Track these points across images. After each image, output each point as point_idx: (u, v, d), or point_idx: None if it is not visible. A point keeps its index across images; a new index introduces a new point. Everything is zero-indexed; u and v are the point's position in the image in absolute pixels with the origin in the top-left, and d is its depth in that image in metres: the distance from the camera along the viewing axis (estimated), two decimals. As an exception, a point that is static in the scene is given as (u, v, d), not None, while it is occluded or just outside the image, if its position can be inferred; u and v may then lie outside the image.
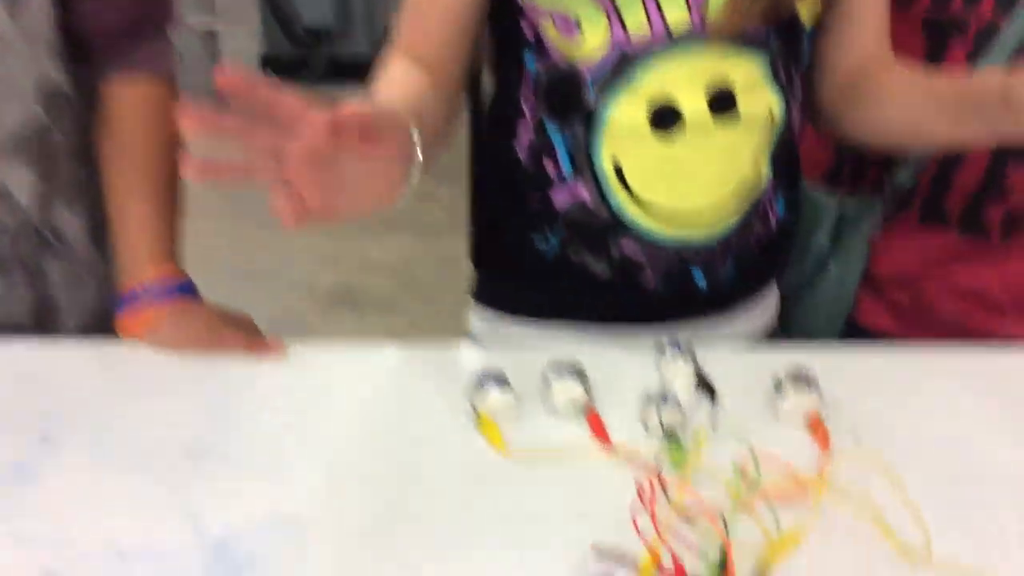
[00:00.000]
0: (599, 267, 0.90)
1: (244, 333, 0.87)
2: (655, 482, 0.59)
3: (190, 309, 0.88)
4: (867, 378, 0.82)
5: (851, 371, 0.83)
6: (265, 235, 3.33)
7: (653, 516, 0.57)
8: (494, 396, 0.76)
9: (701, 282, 0.91)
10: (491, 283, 1.01)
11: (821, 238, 1.05)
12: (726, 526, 0.56)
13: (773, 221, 0.93)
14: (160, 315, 0.86)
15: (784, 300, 1.06)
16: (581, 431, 0.76)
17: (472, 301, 1.02)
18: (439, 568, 0.62)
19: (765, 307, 1.01)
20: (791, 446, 0.74)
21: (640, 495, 0.59)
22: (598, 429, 0.75)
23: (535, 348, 0.89)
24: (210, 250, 3.24)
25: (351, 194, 0.65)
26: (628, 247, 0.88)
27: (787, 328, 1.06)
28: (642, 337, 0.89)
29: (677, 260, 0.89)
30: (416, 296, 2.90)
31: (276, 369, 0.85)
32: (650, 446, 0.73)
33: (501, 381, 0.77)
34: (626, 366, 0.83)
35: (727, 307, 0.96)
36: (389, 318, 2.82)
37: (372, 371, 0.86)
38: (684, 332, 0.90)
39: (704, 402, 0.78)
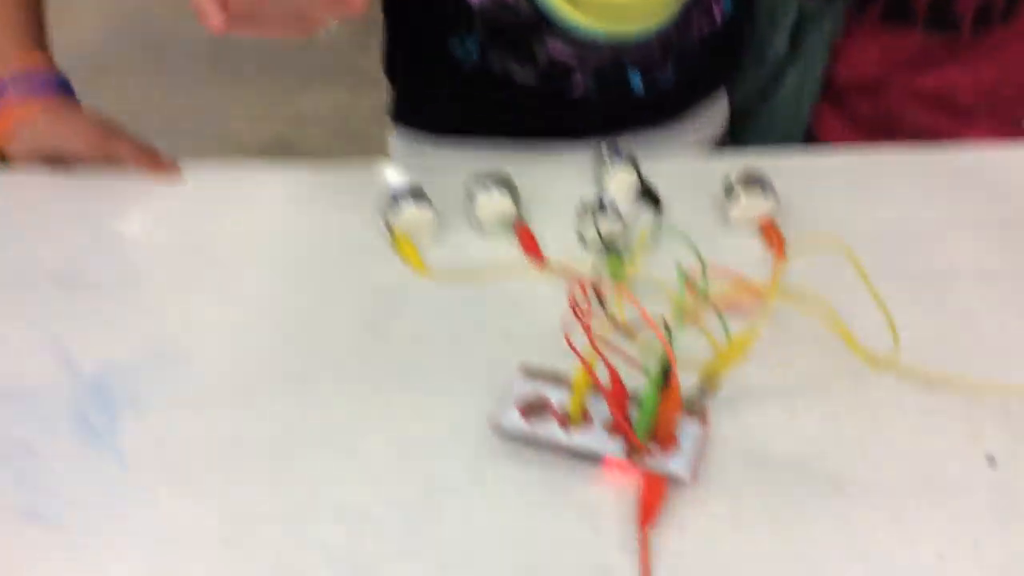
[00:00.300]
0: (523, 74, 0.80)
1: (138, 143, 0.76)
2: (589, 292, 0.51)
3: (67, 109, 0.75)
4: (825, 182, 0.74)
5: (808, 175, 0.75)
6: (191, 93, 3.14)
7: (587, 328, 0.49)
8: (410, 212, 0.67)
9: (638, 86, 0.81)
10: (408, 98, 0.90)
11: (778, 43, 0.95)
12: (670, 336, 0.49)
13: (718, 16, 0.82)
14: (32, 112, 0.73)
15: (738, 114, 0.97)
16: (510, 247, 0.67)
17: (390, 121, 0.92)
18: (353, 401, 0.55)
19: (711, 118, 0.92)
20: (744, 254, 0.66)
21: (573, 306, 0.51)
22: (528, 244, 0.67)
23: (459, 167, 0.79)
24: (134, 109, 3.06)
25: (278, 16, 0.55)
26: (555, 48, 0.78)
27: (741, 144, 0.98)
28: (575, 153, 0.80)
29: (610, 61, 0.79)
30: (353, 147, 2.76)
31: (169, 189, 0.75)
32: (587, 260, 0.65)
33: (419, 196, 0.68)
34: (560, 177, 0.74)
35: (668, 116, 0.87)
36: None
37: (278, 192, 0.76)
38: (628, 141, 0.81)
39: (647, 211, 0.70)
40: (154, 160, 0.75)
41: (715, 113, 0.91)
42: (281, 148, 2.84)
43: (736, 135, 0.97)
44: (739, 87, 0.95)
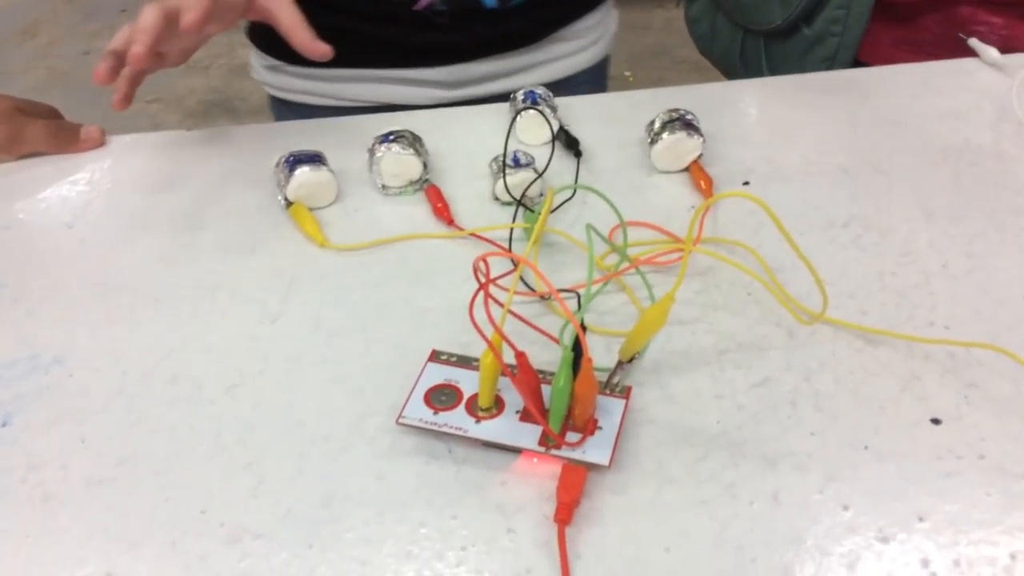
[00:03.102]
0: None
1: (48, 124, 0.70)
2: (486, 263, 0.46)
3: None
4: (758, 112, 0.70)
5: (738, 106, 0.70)
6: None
7: (486, 304, 0.44)
8: (306, 177, 0.61)
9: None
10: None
11: None
12: (579, 305, 0.44)
13: None
14: None
15: (776, 35, 0.90)
16: (418, 210, 0.62)
17: (250, 43, 0.86)
18: (245, 402, 0.49)
19: (593, 38, 0.87)
20: (672, 198, 0.61)
21: (478, 280, 0.46)
22: (439, 207, 0.61)
23: (354, 123, 0.73)
24: (63, 71, 2.94)
25: None
26: None
27: (774, 71, 0.91)
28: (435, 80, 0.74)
29: None
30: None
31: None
32: (504, 219, 0.60)
33: (314, 159, 0.62)
34: (471, 128, 0.68)
35: (533, 38, 0.81)
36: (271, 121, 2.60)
37: (168, 157, 0.70)
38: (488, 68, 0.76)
39: (567, 161, 0.65)
40: (70, 139, 0.71)
41: (593, 36, 0.86)
42: (222, 102, 2.74)
43: (771, 61, 0.90)
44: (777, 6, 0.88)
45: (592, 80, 0.89)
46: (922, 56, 0.80)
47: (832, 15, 0.85)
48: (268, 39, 0.84)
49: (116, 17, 3.16)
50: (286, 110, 0.86)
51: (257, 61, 0.87)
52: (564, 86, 0.85)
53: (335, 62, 0.80)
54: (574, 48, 0.85)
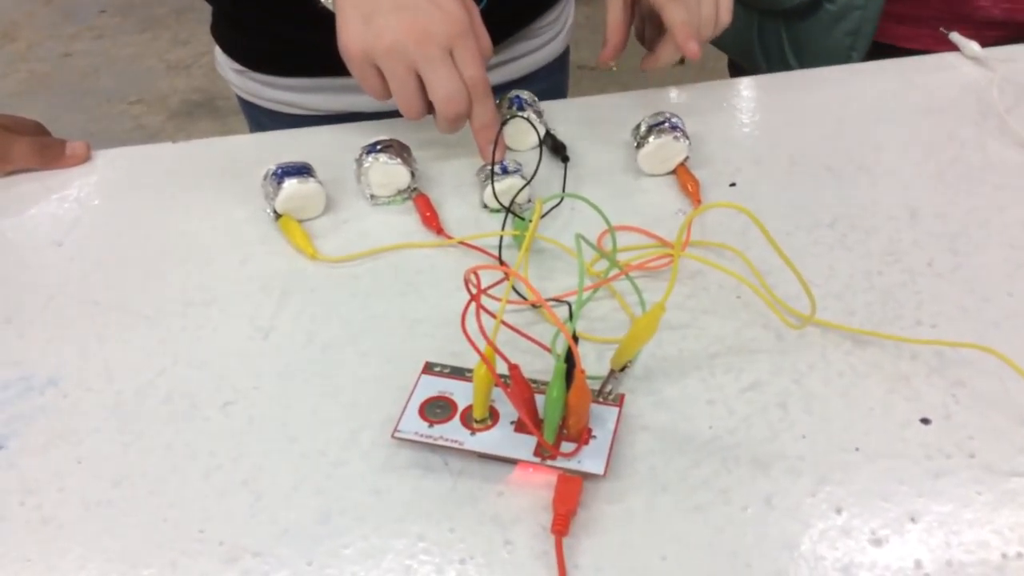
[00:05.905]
0: None
1: (33, 141, 0.70)
2: (477, 275, 0.46)
3: None
4: (744, 112, 0.70)
5: (721, 110, 0.70)
6: (101, 48, 3.00)
7: (478, 315, 0.44)
8: (295, 189, 0.61)
9: None
10: (221, 20, 0.83)
11: None
12: (571, 315, 0.44)
13: None
14: None
15: (794, 12, 0.89)
16: (408, 220, 0.62)
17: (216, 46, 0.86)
18: (238, 418, 0.50)
19: (554, 33, 0.87)
20: (660, 201, 0.62)
21: (469, 291, 0.46)
22: (428, 215, 0.62)
23: (341, 132, 0.72)
24: (44, 73, 2.92)
25: None
26: None
27: (798, 51, 0.91)
28: None
29: None
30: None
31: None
32: (492, 226, 0.61)
33: (302, 171, 0.62)
34: (457, 135, 0.67)
35: (495, 40, 0.81)
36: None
37: (155, 171, 0.69)
38: None
39: (555, 166, 0.65)
40: (56, 155, 0.70)
41: (552, 30, 0.87)
42: (205, 101, 2.72)
43: (794, 42, 0.90)
44: None
45: (555, 72, 0.90)
46: (925, 31, 0.81)
47: None
48: (231, 41, 0.83)
49: (95, 18, 3.14)
50: (253, 111, 0.86)
51: (223, 60, 0.87)
52: (528, 81, 0.86)
53: (299, 71, 0.80)
54: (536, 45, 0.86)
